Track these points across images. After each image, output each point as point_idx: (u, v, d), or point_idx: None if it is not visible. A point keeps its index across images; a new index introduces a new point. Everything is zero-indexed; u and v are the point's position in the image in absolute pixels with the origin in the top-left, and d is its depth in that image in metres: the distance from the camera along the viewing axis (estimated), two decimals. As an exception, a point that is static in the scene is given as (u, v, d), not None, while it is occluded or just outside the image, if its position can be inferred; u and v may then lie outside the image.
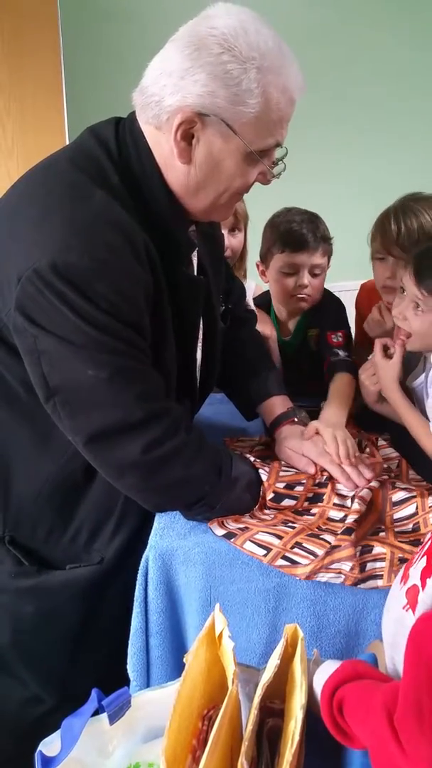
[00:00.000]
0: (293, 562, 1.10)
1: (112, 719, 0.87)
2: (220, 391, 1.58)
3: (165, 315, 1.16)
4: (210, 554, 1.14)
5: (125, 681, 1.16)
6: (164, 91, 1.06)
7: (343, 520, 1.21)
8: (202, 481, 1.16)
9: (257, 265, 1.78)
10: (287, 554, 1.12)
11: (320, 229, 1.67)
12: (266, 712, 0.86)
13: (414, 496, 1.27)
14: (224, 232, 1.74)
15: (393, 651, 0.87)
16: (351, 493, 1.28)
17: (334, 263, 1.75)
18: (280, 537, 1.16)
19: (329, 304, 1.76)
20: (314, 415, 1.49)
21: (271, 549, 1.13)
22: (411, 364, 1.49)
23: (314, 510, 1.26)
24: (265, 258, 1.74)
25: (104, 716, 0.87)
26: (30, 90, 2.38)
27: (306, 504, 1.28)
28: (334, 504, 1.26)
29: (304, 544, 1.15)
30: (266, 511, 1.25)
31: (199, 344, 1.33)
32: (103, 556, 1.24)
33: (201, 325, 1.32)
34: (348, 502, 1.26)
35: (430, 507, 1.24)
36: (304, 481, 1.32)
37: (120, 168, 1.12)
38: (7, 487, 1.22)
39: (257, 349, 1.61)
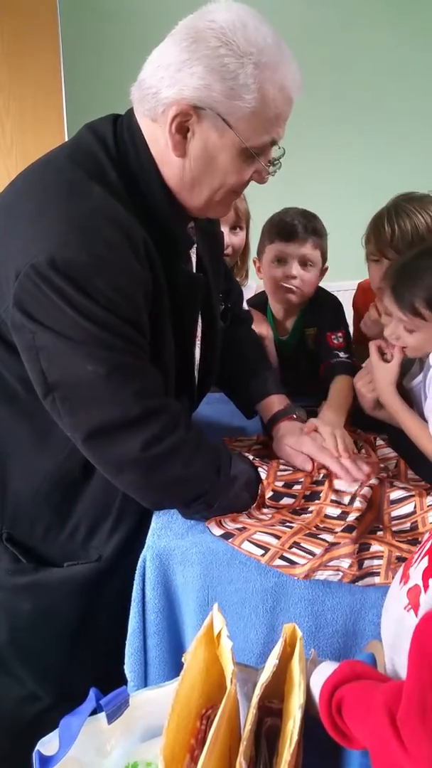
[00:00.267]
0: (291, 562, 1.10)
1: (111, 718, 0.87)
2: (219, 391, 1.58)
3: (164, 312, 1.16)
4: (208, 554, 1.14)
5: (123, 679, 1.16)
6: (161, 83, 1.06)
7: (340, 517, 1.21)
8: (201, 478, 1.16)
9: (254, 262, 1.79)
10: (285, 554, 1.12)
11: (312, 222, 1.68)
12: (264, 711, 0.86)
13: (412, 495, 1.27)
14: (225, 229, 1.74)
15: (393, 651, 0.86)
16: (350, 490, 1.28)
17: (333, 263, 1.74)
18: (278, 537, 1.15)
19: (326, 302, 1.75)
20: (312, 414, 1.49)
21: (269, 549, 1.12)
22: (407, 364, 1.49)
23: (311, 508, 1.26)
24: (259, 253, 1.75)
25: (102, 715, 0.87)
26: (29, 89, 2.38)
27: (303, 502, 1.27)
28: (331, 500, 1.26)
29: (302, 544, 1.14)
30: (264, 511, 1.24)
31: (198, 342, 1.33)
32: (100, 554, 1.24)
33: (200, 323, 1.31)
34: (345, 499, 1.26)
35: (428, 506, 1.24)
36: (302, 480, 1.32)
37: (118, 164, 1.12)
38: (4, 485, 1.22)
39: (255, 348, 1.61)
